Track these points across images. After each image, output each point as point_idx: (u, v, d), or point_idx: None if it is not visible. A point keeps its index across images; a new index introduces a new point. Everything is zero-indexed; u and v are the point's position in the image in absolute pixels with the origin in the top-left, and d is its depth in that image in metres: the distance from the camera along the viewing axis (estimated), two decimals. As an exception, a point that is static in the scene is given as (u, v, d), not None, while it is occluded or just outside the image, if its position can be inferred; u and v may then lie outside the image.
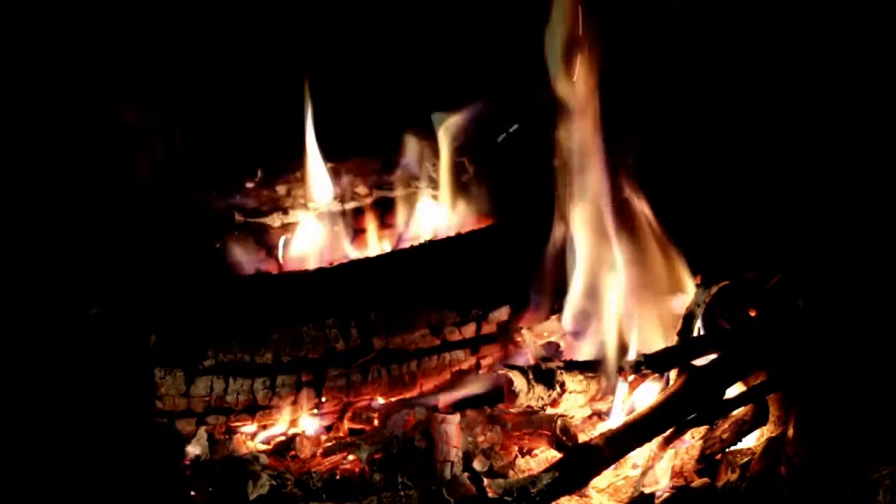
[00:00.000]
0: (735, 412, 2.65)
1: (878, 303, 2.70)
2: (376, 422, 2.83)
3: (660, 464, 2.64)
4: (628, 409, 2.82)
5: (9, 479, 2.47)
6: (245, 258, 3.28)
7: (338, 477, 2.64)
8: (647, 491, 2.57)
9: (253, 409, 2.82)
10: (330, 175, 3.49)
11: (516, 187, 3.42)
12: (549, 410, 2.79)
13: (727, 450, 2.64)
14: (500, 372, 2.77)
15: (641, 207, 3.02)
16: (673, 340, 2.89)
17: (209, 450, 2.74)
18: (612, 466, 2.61)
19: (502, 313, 3.03)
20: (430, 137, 3.53)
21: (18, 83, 3.40)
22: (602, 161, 3.02)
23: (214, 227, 3.34)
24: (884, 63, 3.41)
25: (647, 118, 3.40)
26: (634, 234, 2.99)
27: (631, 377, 2.78)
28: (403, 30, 3.87)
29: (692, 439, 2.71)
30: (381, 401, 2.93)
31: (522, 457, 2.75)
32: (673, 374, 2.78)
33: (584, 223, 2.99)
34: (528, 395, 2.71)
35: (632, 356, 2.82)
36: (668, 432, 2.61)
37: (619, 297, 2.96)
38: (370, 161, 3.63)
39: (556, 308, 3.08)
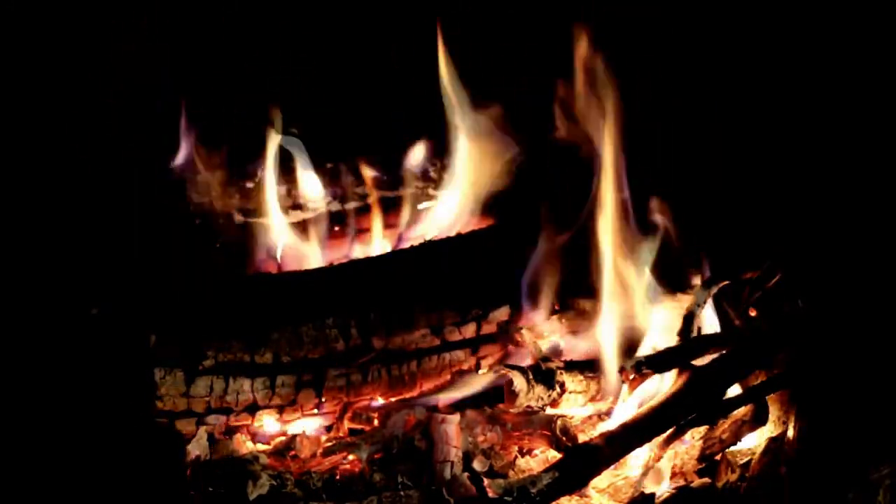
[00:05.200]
0: (735, 412, 2.65)
1: (877, 303, 2.70)
2: (376, 422, 2.83)
3: (660, 464, 2.64)
4: (628, 410, 2.82)
5: (9, 479, 2.47)
6: (245, 258, 3.28)
7: (338, 477, 2.63)
8: (647, 491, 2.57)
9: (253, 409, 2.82)
10: (329, 175, 3.50)
11: (517, 187, 3.42)
12: (549, 410, 2.79)
13: (727, 450, 2.64)
14: (500, 372, 2.77)
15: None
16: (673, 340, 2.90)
17: (209, 450, 2.74)
18: (612, 466, 2.61)
19: (502, 313, 3.03)
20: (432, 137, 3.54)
21: (19, 83, 3.40)
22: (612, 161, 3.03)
23: (214, 227, 3.34)
24: (883, 63, 3.41)
25: (648, 120, 3.41)
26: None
27: (632, 377, 2.78)
28: (405, 29, 3.87)
29: (692, 439, 2.71)
30: (381, 401, 2.93)
31: (522, 457, 2.75)
32: (673, 374, 2.78)
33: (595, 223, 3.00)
34: (528, 395, 2.71)
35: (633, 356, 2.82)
36: (668, 432, 2.61)
37: (620, 297, 2.96)
38: (371, 161, 3.63)
39: (557, 308, 3.08)
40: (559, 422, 2.73)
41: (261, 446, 2.82)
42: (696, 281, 3.05)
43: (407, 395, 2.93)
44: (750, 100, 3.59)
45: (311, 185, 3.48)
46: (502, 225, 3.34)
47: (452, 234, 3.32)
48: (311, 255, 3.34)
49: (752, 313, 2.90)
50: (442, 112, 3.43)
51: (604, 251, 2.96)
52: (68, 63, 3.49)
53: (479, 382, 2.88)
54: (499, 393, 2.75)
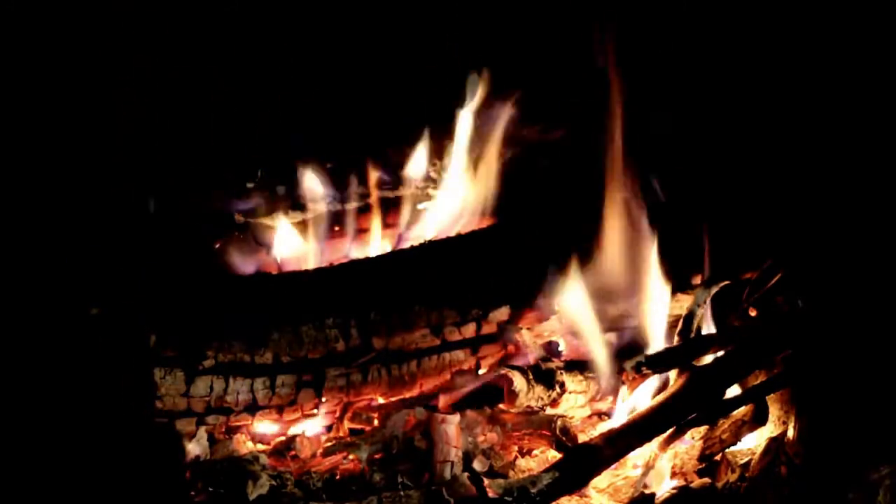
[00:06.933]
0: (735, 412, 2.65)
1: (877, 303, 2.69)
2: (376, 422, 2.83)
3: (660, 464, 2.64)
4: (628, 409, 2.82)
5: (9, 479, 2.47)
6: (245, 258, 3.28)
7: (338, 477, 2.64)
8: (647, 491, 2.57)
9: (253, 409, 2.82)
10: (329, 175, 3.50)
11: (517, 188, 3.42)
12: (549, 411, 2.79)
13: (727, 450, 2.64)
14: (501, 372, 2.77)
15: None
16: (673, 340, 2.90)
17: (209, 450, 2.74)
18: (612, 466, 2.61)
19: (502, 313, 3.02)
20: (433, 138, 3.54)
21: (19, 84, 3.40)
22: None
23: (214, 227, 3.34)
24: (884, 63, 3.41)
25: (649, 121, 3.41)
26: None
27: (632, 377, 2.78)
28: (406, 30, 3.87)
29: (692, 439, 2.71)
30: (381, 401, 2.93)
31: (522, 457, 2.75)
32: (673, 374, 2.78)
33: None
34: (528, 395, 2.71)
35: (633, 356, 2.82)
36: (668, 432, 2.61)
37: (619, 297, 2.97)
38: (371, 161, 3.63)
39: (557, 308, 3.08)
40: (559, 422, 2.73)
41: (261, 446, 2.82)
42: (697, 281, 3.05)
43: (407, 395, 2.93)
44: (751, 100, 3.59)
45: (311, 185, 3.48)
46: (502, 225, 3.34)
47: (452, 234, 3.32)
48: (311, 255, 3.34)
49: (752, 313, 2.90)
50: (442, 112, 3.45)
51: (605, 250, 2.97)
52: (70, 66, 3.49)
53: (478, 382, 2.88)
54: (499, 393, 2.75)
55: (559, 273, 2.95)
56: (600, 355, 2.82)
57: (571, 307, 2.91)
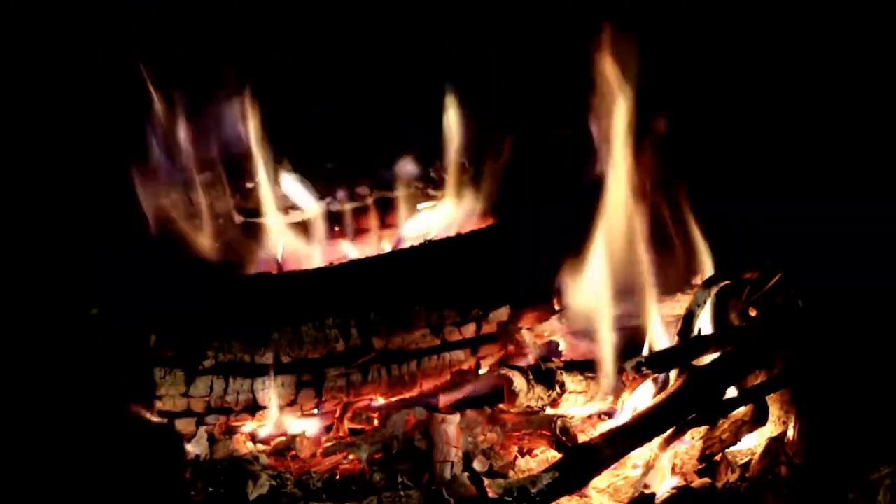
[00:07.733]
0: (735, 412, 2.65)
1: (877, 303, 2.69)
2: (376, 422, 2.83)
3: (660, 464, 2.64)
4: (628, 410, 2.82)
5: (9, 479, 2.47)
6: (245, 258, 3.28)
7: (338, 477, 2.64)
8: (647, 491, 2.57)
9: (253, 409, 2.82)
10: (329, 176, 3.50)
11: (516, 187, 3.42)
12: (549, 411, 2.79)
13: (727, 450, 2.64)
14: (501, 372, 2.77)
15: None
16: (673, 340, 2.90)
17: (209, 450, 2.74)
18: (612, 466, 2.61)
19: (502, 313, 3.03)
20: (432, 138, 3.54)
21: (19, 83, 3.40)
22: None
23: (214, 228, 3.34)
24: (883, 61, 3.41)
25: (649, 118, 3.40)
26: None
27: (632, 377, 2.78)
28: (407, 29, 3.87)
29: (692, 439, 2.71)
30: (381, 401, 2.93)
31: (522, 457, 2.75)
32: (673, 374, 2.78)
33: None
34: (528, 395, 2.71)
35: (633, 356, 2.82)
36: (668, 432, 2.61)
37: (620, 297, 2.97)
38: (371, 161, 3.63)
39: (557, 308, 3.08)
40: (559, 422, 2.73)
41: (261, 446, 2.82)
42: (697, 281, 3.05)
43: (407, 395, 2.93)
44: (752, 99, 3.59)
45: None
46: (502, 225, 3.34)
47: (452, 234, 3.32)
48: (311, 255, 3.34)
49: (753, 313, 2.90)
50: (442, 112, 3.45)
51: (606, 250, 2.97)
52: (70, 64, 3.49)
53: (479, 382, 2.88)
54: (499, 393, 2.75)
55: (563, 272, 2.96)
56: (606, 355, 2.82)
57: (578, 306, 2.92)
